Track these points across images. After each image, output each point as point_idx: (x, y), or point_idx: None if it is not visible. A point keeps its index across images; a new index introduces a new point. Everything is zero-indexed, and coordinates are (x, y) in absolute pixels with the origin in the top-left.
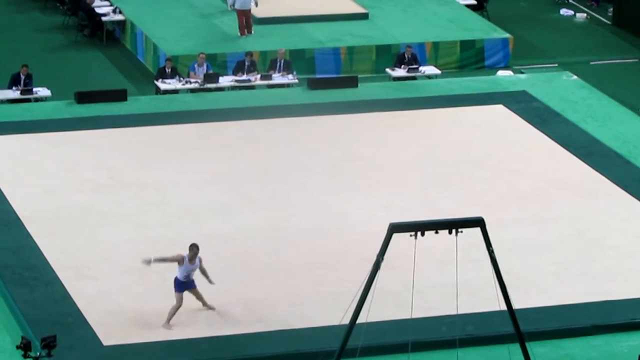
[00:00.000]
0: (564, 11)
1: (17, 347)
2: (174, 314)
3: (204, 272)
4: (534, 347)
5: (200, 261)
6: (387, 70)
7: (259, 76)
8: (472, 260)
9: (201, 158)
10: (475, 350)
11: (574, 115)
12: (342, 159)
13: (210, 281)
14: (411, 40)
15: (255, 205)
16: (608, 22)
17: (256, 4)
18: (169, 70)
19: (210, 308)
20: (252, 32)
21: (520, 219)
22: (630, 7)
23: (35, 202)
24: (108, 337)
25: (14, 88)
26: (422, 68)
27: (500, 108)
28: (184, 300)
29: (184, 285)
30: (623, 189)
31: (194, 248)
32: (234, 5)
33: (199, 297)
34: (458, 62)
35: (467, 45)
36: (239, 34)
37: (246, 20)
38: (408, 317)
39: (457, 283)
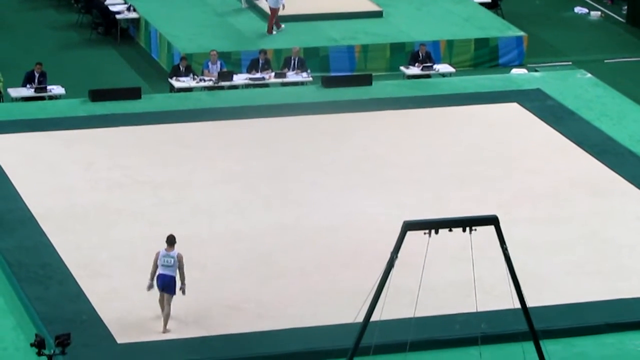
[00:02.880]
0: (578, 9)
1: (31, 345)
2: (164, 318)
3: (180, 271)
4: (547, 345)
5: (180, 259)
6: (402, 68)
7: (273, 74)
8: (485, 258)
9: (215, 156)
10: (488, 348)
11: (588, 114)
12: (356, 157)
13: (181, 288)
14: (425, 39)
15: (270, 203)
16: (622, 20)
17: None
18: (183, 68)
19: (164, 327)
20: (273, 32)
21: (534, 217)
22: None
23: (50, 200)
24: (122, 334)
25: (28, 86)
26: (436, 66)
27: (514, 106)
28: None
29: (160, 284)
30: (637, 188)
31: (169, 239)
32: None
33: (167, 304)
34: (472, 60)
35: (481, 43)
36: (267, 32)
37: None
38: (422, 315)
39: (475, 281)
